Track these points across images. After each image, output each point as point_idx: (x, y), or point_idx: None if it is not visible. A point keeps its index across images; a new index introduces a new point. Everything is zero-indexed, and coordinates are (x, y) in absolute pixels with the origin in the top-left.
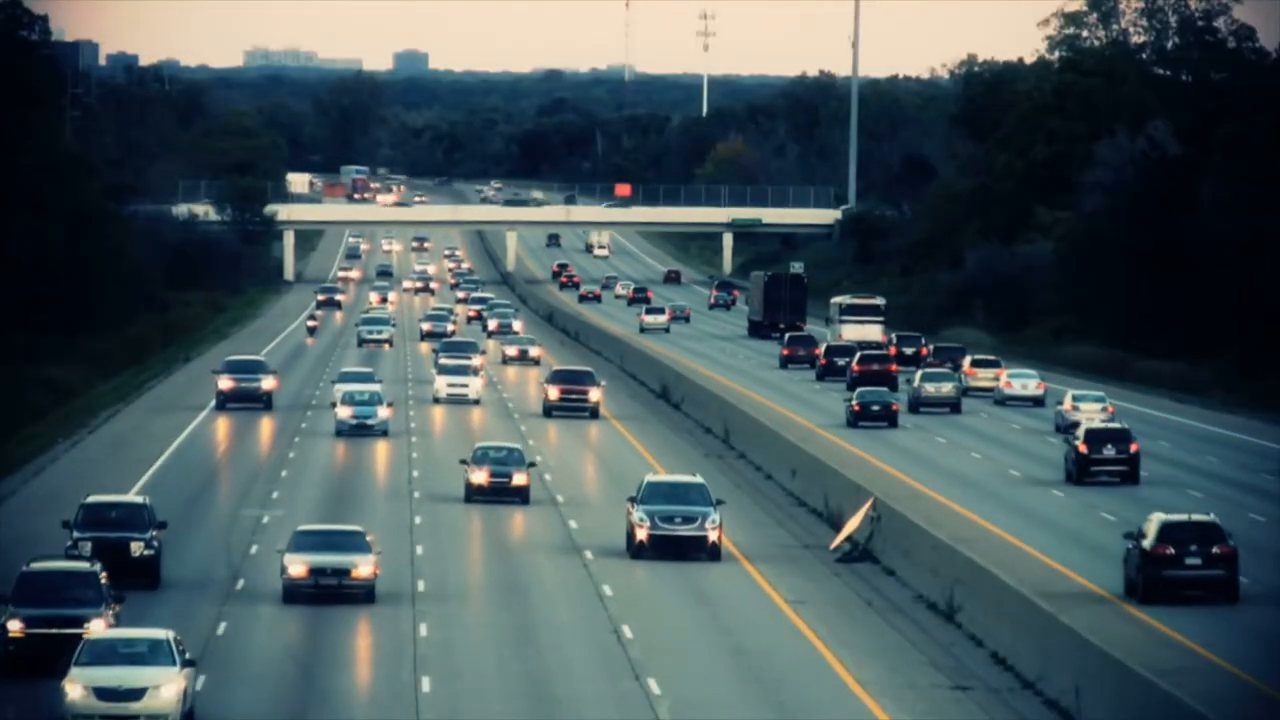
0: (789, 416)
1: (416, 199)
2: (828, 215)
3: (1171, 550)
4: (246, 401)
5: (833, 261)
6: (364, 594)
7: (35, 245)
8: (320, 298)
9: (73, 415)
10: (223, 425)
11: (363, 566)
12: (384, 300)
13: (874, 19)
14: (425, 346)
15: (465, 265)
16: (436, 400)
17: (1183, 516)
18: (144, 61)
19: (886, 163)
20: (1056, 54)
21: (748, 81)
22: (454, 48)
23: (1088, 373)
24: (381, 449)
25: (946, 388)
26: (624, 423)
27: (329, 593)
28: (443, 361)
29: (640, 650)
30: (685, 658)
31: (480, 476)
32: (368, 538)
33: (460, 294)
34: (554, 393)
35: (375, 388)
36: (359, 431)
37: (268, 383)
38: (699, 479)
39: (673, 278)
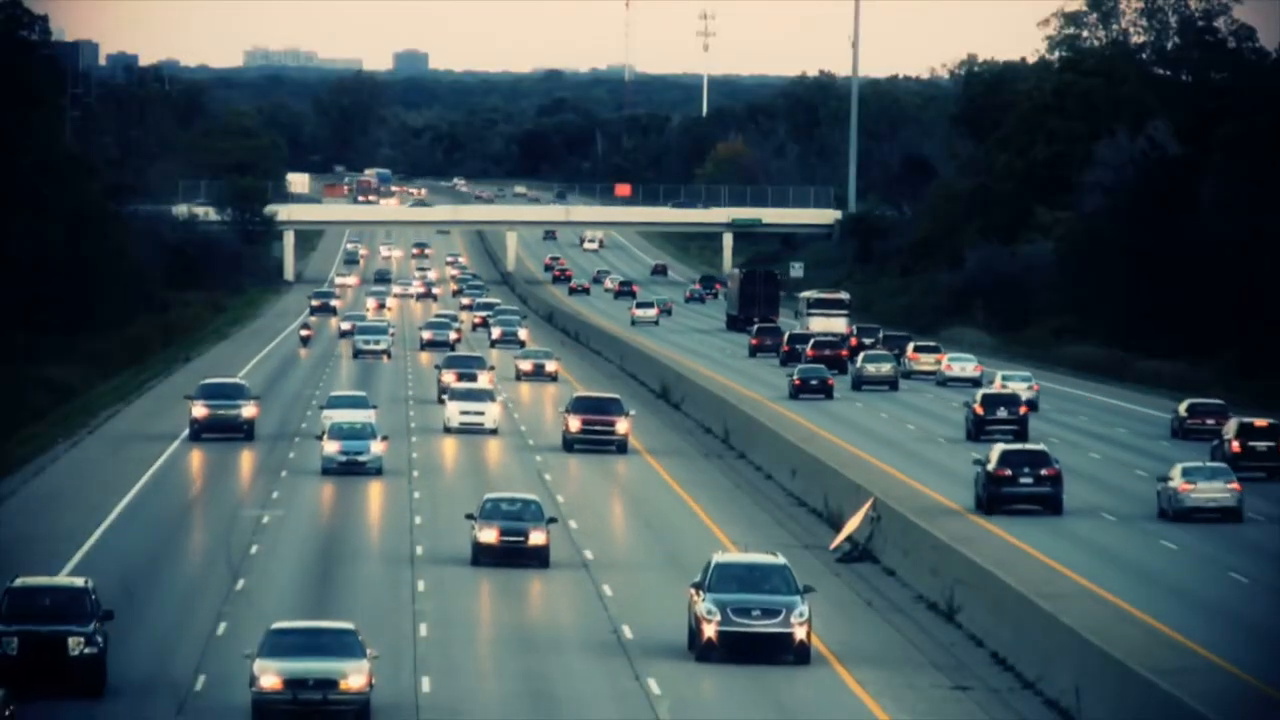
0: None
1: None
2: (828, 215)
3: (1009, 472)
4: (224, 431)
5: (833, 261)
6: (355, 712)
7: (35, 245)
8: (314, 303)
9: (73, 415)
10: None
11: (353, 676)
12: (381, 306)
13: (874, 19)
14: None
15: (469, 270)
16: (447, 430)
17: (1018, 446)
18: (144, 61)
19: (886, 163)
20: (1056, 54)
21: (748, 81)
22: (454, 48)
23: (1088, 373)
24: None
25: (885, 368)
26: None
27: (311, 710)
28: (452, 383)
29: None
30: None
31: (490, 535)
32: (359, 637)
33: (464, 299)
34: (575, 423)
35: (368, 416)
36: (349, 470)
37: (248, 410)
38: (781, 559)
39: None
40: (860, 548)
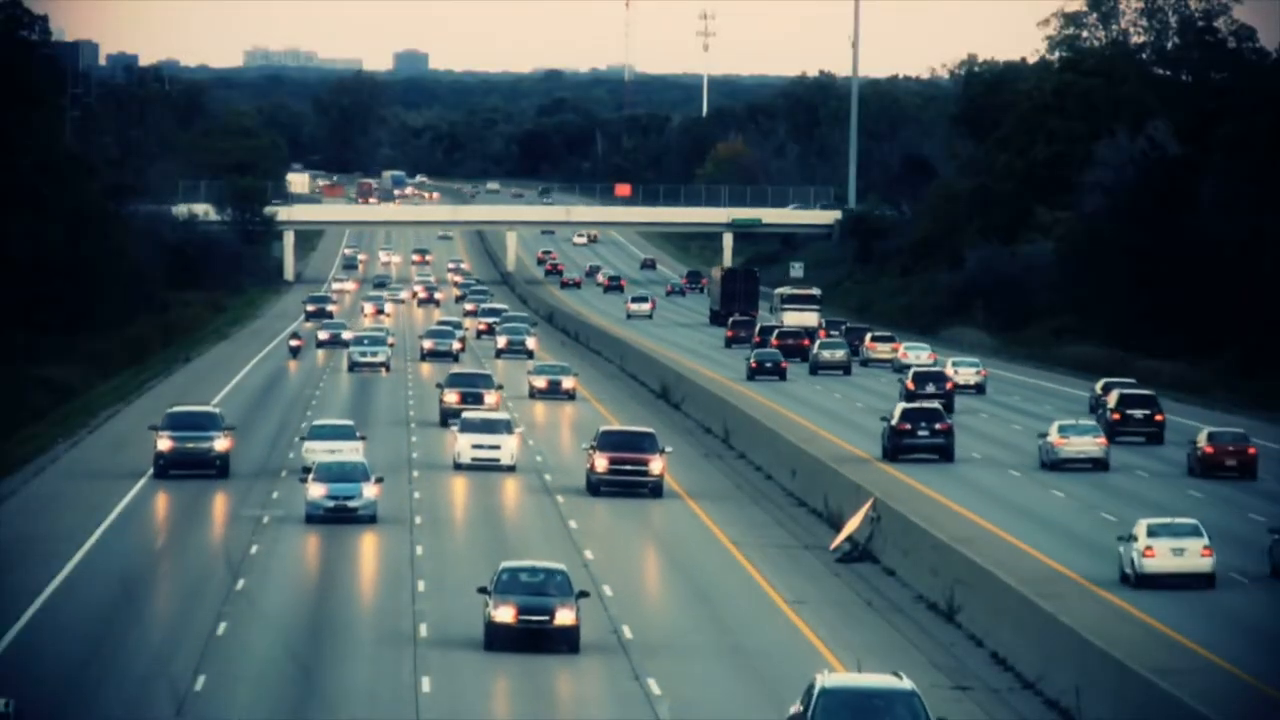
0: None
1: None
2: (828, 215)
3: (909, 426)
4: (194, 467)
5: (833, 261)
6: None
7: (35, 245)
8: (309, 308)
9: (73, 415)
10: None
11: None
12: (380, 312)
13: (874, 19)
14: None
15: (473, 276)
16: (457, 466)
17: (917, 405)
18: (144, 61)
19: (886, 163)
20: (1056, 54)
21: (748, 81)
22: (454, 48)
23: (1088, 373)
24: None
25: (839, 354)
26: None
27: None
28: (455, 404)
29: None
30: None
31: (507, 614)
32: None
33: (468, 305)
34: (602, 463)
35: (355, 449)
36: (339, 518)
37: (221, 443)
38: (907, 683)
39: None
40: (860, 548)
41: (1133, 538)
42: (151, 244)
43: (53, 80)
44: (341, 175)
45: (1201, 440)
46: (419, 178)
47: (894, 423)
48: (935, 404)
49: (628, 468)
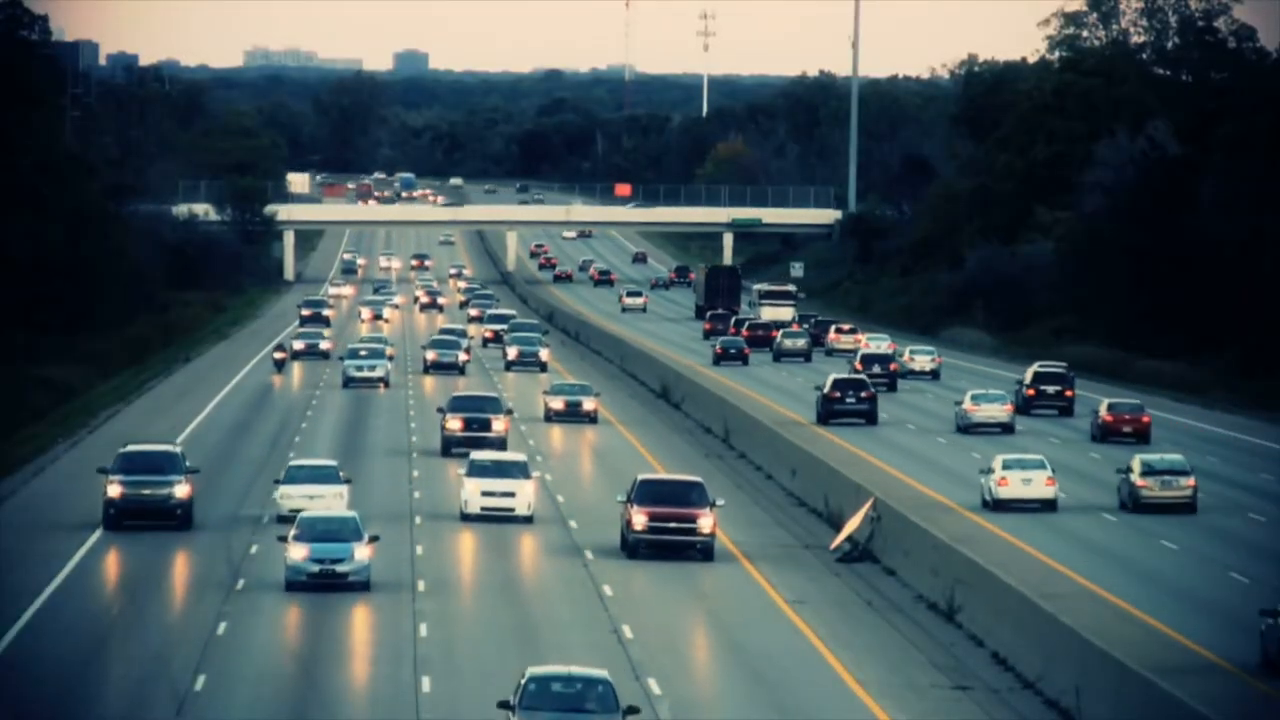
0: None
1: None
2: (828, 215)
3: (838, 394)
4: (150, 518)
5: (833, 261)
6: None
7: (35, 245)
8: (304, 313)
9: (73, 415)
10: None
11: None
12: (378, 318)
13: (874, 19)
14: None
15: (477, 281)
16: (465, 517)
17: (845, 375)
18: (144, 61)
19: (886, 163)
20: (1056, 54)
21: (748, 81)
22: (454, 48)
23: (1088, 373)
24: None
25: (800, 343)
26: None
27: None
28: (459, 432)
29: None
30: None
31: None
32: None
33: (473, 311)
34: (641, 519)
35: (341, 499)
36: (324, 584)
37: (181, 489)
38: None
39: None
40: (860, 548)
41: (990, 470)
42: (151, 244)
43: (53, 80)
44: (343, 174)
45: (1102, 410)
46: (425, 191)
47: (825, 391)
48: (861, 376)
49: (672, 525)
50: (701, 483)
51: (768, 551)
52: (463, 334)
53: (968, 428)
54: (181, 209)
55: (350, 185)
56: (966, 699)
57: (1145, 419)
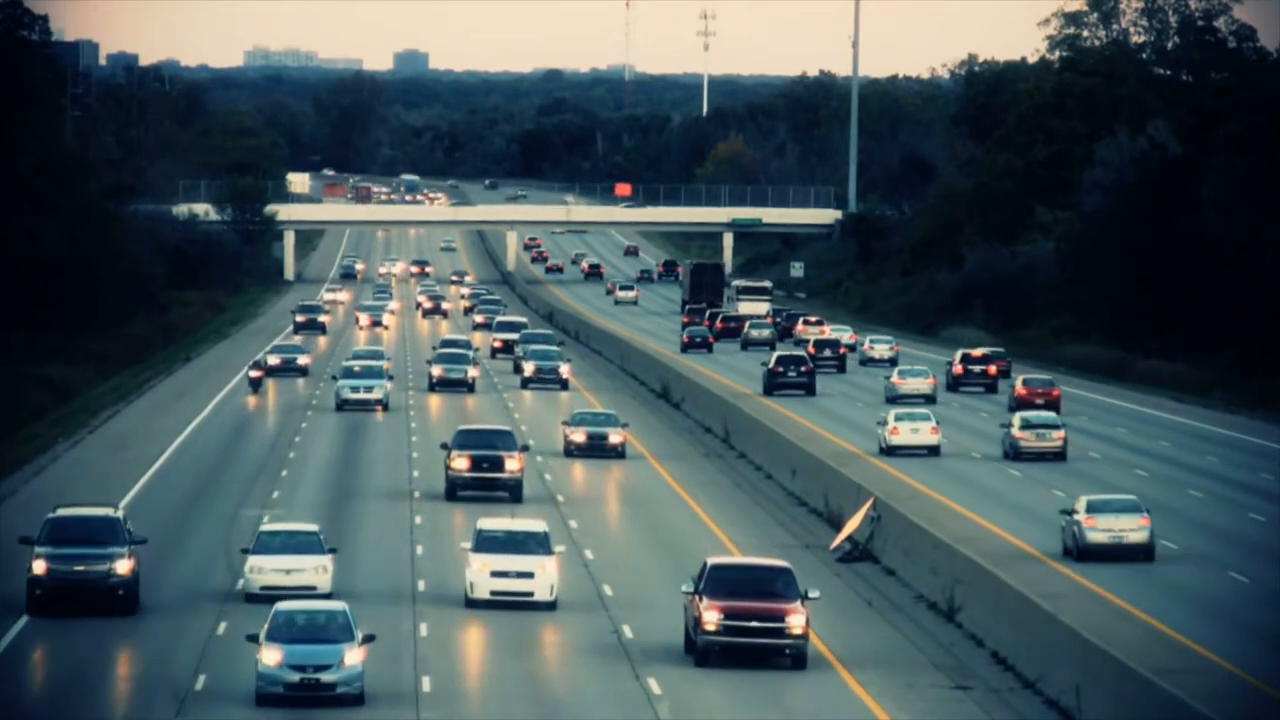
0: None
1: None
2: (828, 215)
3: (781, 369)
4: (84, 600)
5: (833, 261)
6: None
7: (35, 245)
8: (299, 318)
9: (73, 415)
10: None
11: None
12: (376, 324)
13: (874, 19)
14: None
15: (482, 286)
16: (471, 603)
17: (788, 352)
18: (144, 61)
19: (887, 163)
20: (1057, 54)
21: (748, 81)
22: (454, 48)
23: (1088, 372)
24: None
25: (765, 333)
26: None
27: None
28: (465, 472)
29: None
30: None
31: None
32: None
33: (478, 318)
34: (712, 617)
35: (324, 573)
36: (306, 699)
37: (122, 565)
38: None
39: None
40: (860, 548)
41: (884, 422)
42: (151, 244)
43: (53, 80)
44: (344, 174)
45: (1018, 385)
46: (428, 194)
47: (770, 366)
48: (801, 353)
49: (754, 624)
50: (790, 568)
51: (768, 552)
52: (468, 345)
53: (895, 399)
54: (181, 209)
55: (351, 189)
56: (966, 699)
57: (1055, 392)
